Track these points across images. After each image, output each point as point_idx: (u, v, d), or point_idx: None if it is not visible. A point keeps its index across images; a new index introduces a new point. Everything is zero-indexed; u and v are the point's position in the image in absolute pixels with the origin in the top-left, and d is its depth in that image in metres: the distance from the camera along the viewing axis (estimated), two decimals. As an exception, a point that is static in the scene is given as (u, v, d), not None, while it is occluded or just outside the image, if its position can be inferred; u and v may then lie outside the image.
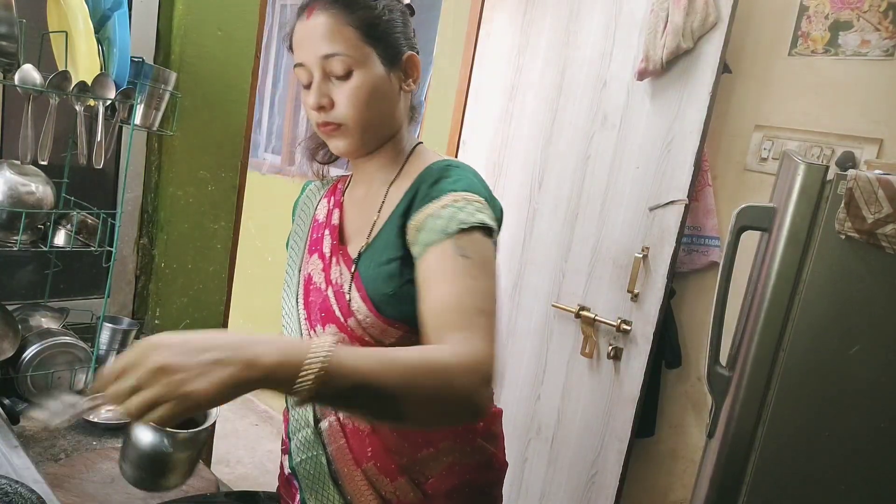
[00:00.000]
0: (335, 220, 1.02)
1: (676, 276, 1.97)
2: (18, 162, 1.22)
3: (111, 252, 1.32)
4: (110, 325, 1.41)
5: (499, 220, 0.92)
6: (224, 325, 1.78)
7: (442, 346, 0.75)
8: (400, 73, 0.95)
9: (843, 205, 1.25)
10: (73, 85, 1.18)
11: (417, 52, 0.97)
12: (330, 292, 0.95)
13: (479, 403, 0.73)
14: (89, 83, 1.20)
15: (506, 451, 1.08)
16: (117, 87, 1.24)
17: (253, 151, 2.19)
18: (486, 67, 2.28)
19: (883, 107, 1.72)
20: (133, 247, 1.62)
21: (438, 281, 0.81)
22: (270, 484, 1.16)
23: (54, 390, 0.78)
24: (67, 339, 1.32)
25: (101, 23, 1.28)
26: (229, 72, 1.63)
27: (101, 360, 1.40)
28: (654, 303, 1.87)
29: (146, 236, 1.62)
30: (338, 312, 0.93)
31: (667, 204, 1.84)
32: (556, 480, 2.10)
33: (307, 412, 0.98)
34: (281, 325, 1.18)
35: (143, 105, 1.36)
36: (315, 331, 0.97)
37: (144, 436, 0.79)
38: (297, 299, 1.02)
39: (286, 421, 1.04)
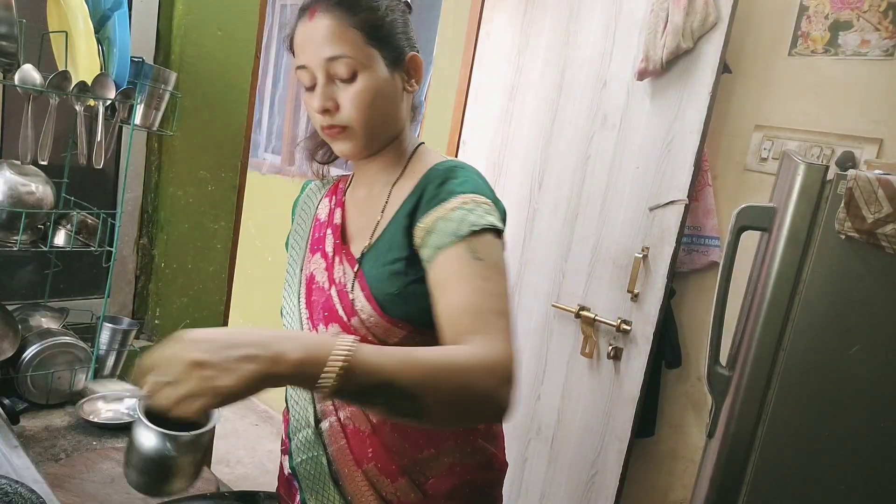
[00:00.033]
0: (337, 219, 1.02)
1: (676, 276, 1.97)
2: (18, 162, 1.22)
3: (111, 252, 1.32)
4: (110, 325, 1.41)
5: (503, 220, 0.92)
6: (224, 325, 1.78)
7: (463, 347, 0.75)
8: (403, 74, 0.95)
9: (843, 205, 1.25)
10: (73, 85, 1.18)
11: (418, 52, 0.97)
12: (333, 291, 0.95)
13: (502, 403, 0.74)
14: (89, 83, 1.20)
15: (506, 451, 1.08)
16: (117, 87, 1.24)
17: (253, 151, 2.19)
18: (486, 67, 2.28)
19: (883, 107, 1.72)
20: (133, 247, 1.62)
21: (453, 284, 0.82)
22: (270, 484, 1.16)
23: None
24: (67, 339, 1.32)
25: (101, 23, 1.28)
26: (229, 72, 1.63)
27: (101, 360, 1.40)
28: (654, 303, 1.87)
29: (146, 236, 1.62)
30: (341, 312, 0.93)
31: (667, 204, 1.84)
32: (556, 480, 2.10)
33: (308, 412, 0.98)
34: (281, 325, 1.17)
35: (143, 105, 1.36)
36: (317, 330, 0.96)
37: (147, 440, 0.78)
38: (298, 298, 1.02)
39: (286, 421, 1.04)
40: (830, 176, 1.30)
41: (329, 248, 1.00)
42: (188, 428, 0.79)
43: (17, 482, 0.84)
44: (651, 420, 2.07)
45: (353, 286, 0.93)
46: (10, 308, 1.33)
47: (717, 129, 1.94)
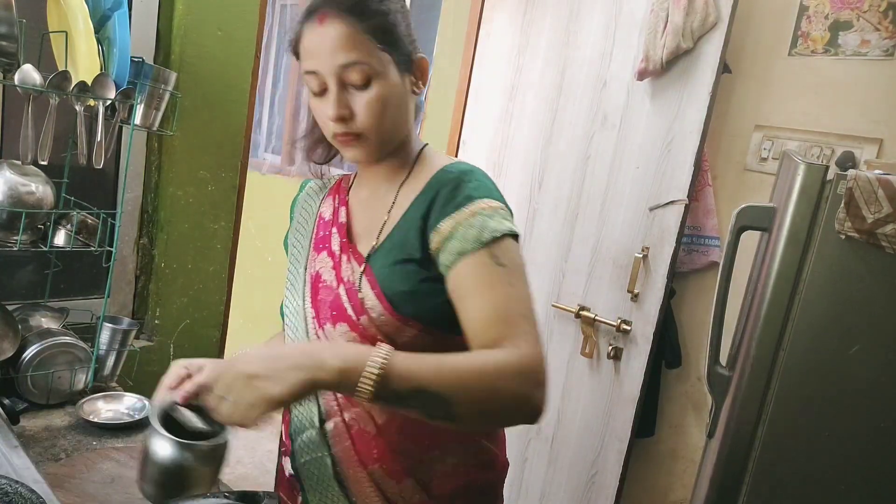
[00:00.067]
0: (342, 217, 1.02)
1: (676, 276, 1.97)
2: (18, 162, 1.22)
3: (111, 252, 1.32)
4: (110, 325, 1.41)
5: None
6: (224, 325, 1.78)
7: (493, 352, 0.79)
8: (411, 77, 0.95)
9: (843, 205, 1.25)
10: (73, 85, 1.18)
11: (423, 54, 0.97)
12: (342, 290, 0.94)
13: (536, 406, 0.78)
14: (89, 83, 1.20)
15: (506, 451, 1.08)
16: (117, 87, 1.24)
17: (253, 151, 2.19)
18: (486, 67, 2.28)
19: (883, 107, 1.72)
20: (133, 247, 1.62)
21: (479, 292, 0.84)
22: (270, 484, 1.16)
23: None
24: (67, 339, 1.32)
25: (101, 23, 1.28)
26: (229, 72, 1.63)
27: (101, 360, 1.40)
28: (654, 303, 1.87)
29: (146, 236, 1.62)
30: (350, 311, 0.92)
31: (667, 204, 1.84)
32: (556, 480, 2.10)
33: (311, 413, 0.98)
34: (281, 325, 1.17)
35: (143, 105, 1.36)
36: (324, 329, 0.96)
37: (163, 450, 0.77)
38: (303, 298, 1.01)
39: (286, 423, 1.04)
40: (830, 176, 1.30)
41: (336, 247, 0.99)
42: (200, 439, 0.79)
43: (17, 482, 0.84)
44: (651, 420, 2.07)
45: (361, 284, 0.92)
46: (10, 308, 1.33)
47: (717, 129, 1.94)
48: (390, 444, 0.94)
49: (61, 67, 1.27)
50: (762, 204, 1.47)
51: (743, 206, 1.48)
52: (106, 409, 1.33)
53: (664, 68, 1.81)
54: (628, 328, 1.91)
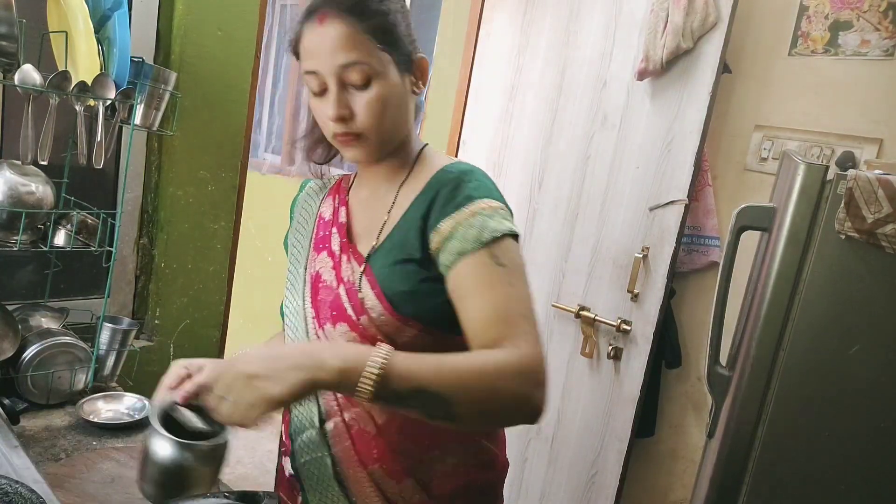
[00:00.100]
0: (342, 217, 1.02)
1: (676, 276, 1.97)
2: (18, 162, 1.22)
3: (111, 252, 1.32)
4: (110, 325, 1.41)
5: None
6: (224, 325, 1.78)
7: (493, 352, 0.79)
8: (411, 77, 0.95)
9: (843, 205, 1.25)
10: (73, 85, 1.18)
11: (422, 54, 0.97)
12: (342, 290, 0.94)
13: (536, 406, 0.79)
14: (89, 83, 1.20)
15: (506, 451, 1.08)
16: (117, 87, 1.24)
17: (253, 151, 2.19)
18: (486, 67, 2.28)
19: (883, 107, 1.72)
20: (133, 247, 1.62)
21: (479, 292, 0.84)
22: (270, 484, 1.16)
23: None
24: (67, 339, 1.32)
25: (101, 23, 1.28)
26: (229, 72, 1.63)
27: (101, 360, 1.40)
28: (654, 303, 1.87)
29: (146, 236, 1.62)
30: (350, 310, 0.92)
31: (667, 204, 1.84)
32: (556, 480, 2.10)
33: (311, 413, 0.98)
34: (281, 325, 1.17)
35: (143, 105, 1.36)
36: (324, 330, 0.96)
37: (163, 450, 0.77)
38: (303, 298, 1.01)
39: (286, 423, 1.04)
40: (830, 176, 1.30)
41: (336, 247, 0.99)
42: (200, 439, 0.78)
43: (17, 482, 0.84)
44: (651, 420, 2.07)
45: (361, 284, 0.92)
46: (10, 308, 1.33)
47: (717, 129, 1.94)
48: (390, 444, 0.94)
49: (61, 67, 1.27)
50: (762, 204, 1.47)
51: (743, 206, 1.48)
52: (106, 409, 1.33)
53: (664, 68, 1.81)
54: (628, 328, 1.91)
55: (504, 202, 0.92)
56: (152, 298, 1.64)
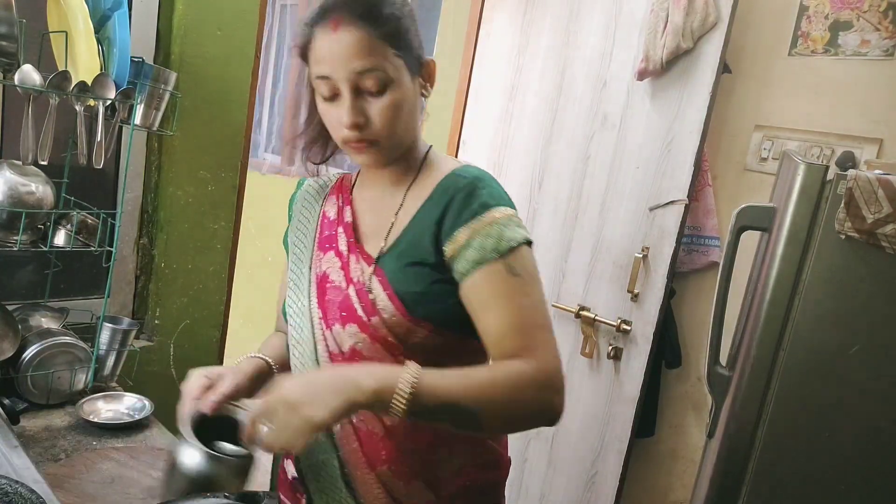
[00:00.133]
0: (348, 217, 1.01)
1: (676, 276, 1.97)
2: (19, 162, 1.22)
3: (111, 252, 1.32)
4: (110, 325, 1.41)
5: None
6: (224, 325, 1.78)
7: (514, 364, 0.83)
8: (420, 80, 0.94)
9: (843, 205, 1.25)
10: (73, 85, 1.18)
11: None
12: (351, 291, 0.94)
13: (555, 411, 0.84)
14: (89, 83, 1.20)
15: (508, 449, 1.09)
16: (117, 87, 1.24)
17: (253, 151, 2.19)
18: (486, 67, 2.28)
19: (883, 107, 1.72)
20: (133, 247, 1.62)
21: (496, 303, 0.87)
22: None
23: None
24: (67, 339, 1.32)
25: (101, 23, 1.28)
26: (229, 72, 1.63)
27: (101, 360, 1.40)
28: (654, 303, 1.87)
29: (146, 236, 1.62)
30: (360, 311, 0.92)
31: (667, 204, 1.84)
32: (555, 480, 2.10)
33: None
34: (274, 326, 1.16)
35: (143, 105, 1.36)
36: (331, 330, 0.95)
37: (194, 461, 0.78)
38: (309, 298, 1.00)
39: None
40: (830, 176, 1.30)
41: (343, 247, 0.98)
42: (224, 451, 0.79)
43: (17, 482, 0.84)
44: (651, 420, 2.07)
45: (373, 285, 0.92)
46: (10, 308, 1.33)
47: (717, 129, 1.94)
48: (399, 445, 0.93)
49: (61, 67, 1.27)
50: (762, 204, 1.47)
51: (743, 206, 1.48)
52: (106, 409, 1.33)
53: (664, 68, 1.81)
54: (628, 328, 1.91)
55: (514, 207, 0.93)
56: (152, 298, 1.64)
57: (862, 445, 1.29)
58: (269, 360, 1.02)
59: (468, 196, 0.90)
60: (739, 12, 1.78)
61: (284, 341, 1.08)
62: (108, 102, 1.25)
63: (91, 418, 1.27)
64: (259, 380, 0.99)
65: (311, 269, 1.02)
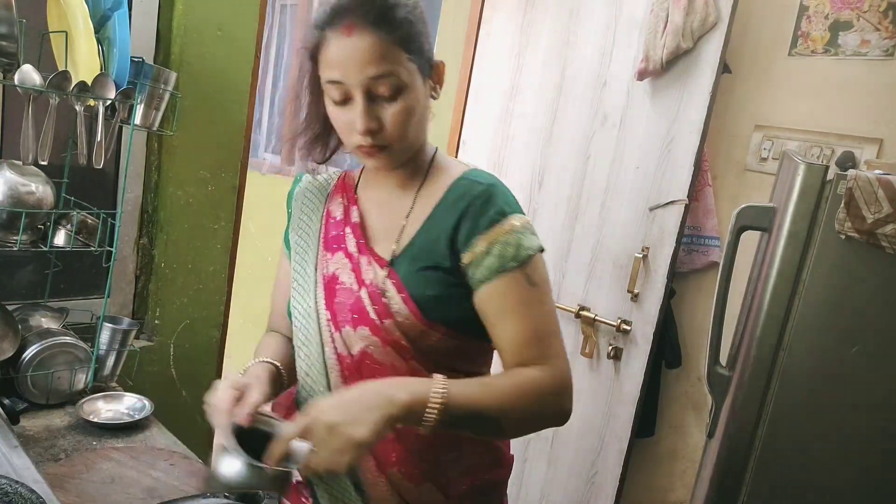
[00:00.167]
0: (355, 217, 1.00)
1: (676, 276, 1.97)
2: (19, 162, 1.22)
3: (111, 252, 1.32)
4: (110, 325, 1.41)
5: None
6: (224, 325, 1.78)
7: (531, 372, 0.88)
8: (430, 81, 0.94)
9: (843, 205, 1.25)
10: (73, 85, 1.18)
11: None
12: (363, 293, 0.93)
13: (566, 412, 0.91)
14: (89, 83, 1.20)
15: (510, 446, 1.10)
16: (117, 87, 1.24)
17: (253, 151, 2.19)
18: (486, 67, 2.28)
19: (883, 107, 1.72)
20: (133, 247, 1.62)
21: (515, 312, 0.89)
22: (270, 484, 1.16)
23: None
24: (67, 339, 1.32)
25: (101, 23, 1.28)
26: (229, 72, 1.63)
27: (101, 360, 1.40)
28: (654, 303, 1.87)
29: (146, 236, 1.62)
30: (372, 314, 0.91)
31: (667, 204, 1.84)
32: (556, 480, 2.10)
33: None
34: (266, 327, 1.15)
35: (143, 105, 1.36)
36: (341, 333, 0.94)
37: (231, 471, 0.78)
38: (315, 300, 0.98)
39: None
40: (830, 176, 1.30)
41: (353, 248, 0.97)
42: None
43: (17, 482, 0.84)
44: (651, 420, 2.07)
45: (387, 288, 0.91)
46: (10, 308, 1.33)
47: (717, 129, 1.94)
48: (409, 447, 0.93)
49: (61, 67, 1.26)
50: (762, 204, 1.47)
51: (743, 206, 1.48)
52: (106, 409, 1.33)
53: (664, 68, 1.81)
54: (628, 328, 1.91)
55: (523, 212, 0.94)
56: (152, 298, 1.64)
57: (862, 445, 1.29)
58: (279, 365, 1.00)
59: (486, 203, 0.91)
60: (739, 12, 1.78)
61: (282, 342, 1.07)
62: (108, 102, 1.25)
63: (91, 418, 1.27)
64: (274, 386, 0.98)
65: (316, 269, 1.00)
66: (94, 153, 1.25)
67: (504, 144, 2.23)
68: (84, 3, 1.20)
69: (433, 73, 0.94)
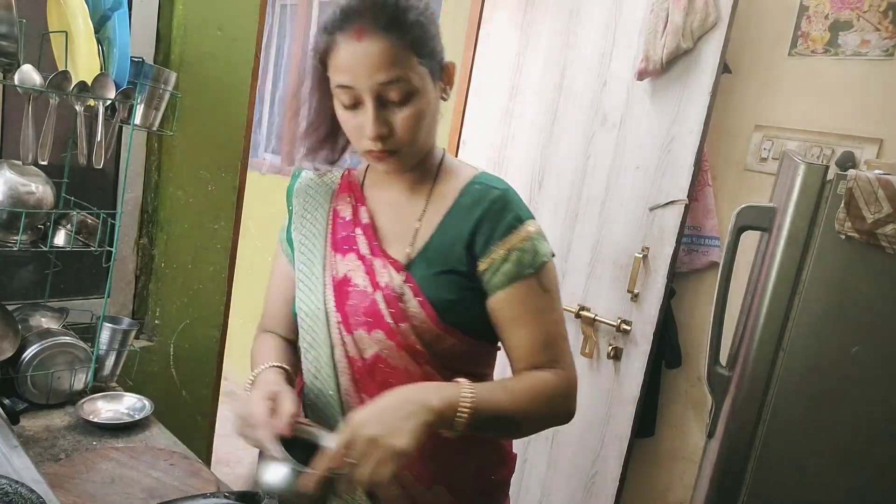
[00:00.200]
0: (365, 218, 0.99)
1: (676, 276, 1.97)
2: (18, 162, 1.22)
3: (111, 252, 1.32)
4: (110, 325, 1.41)
5: None
6: (224, 325, 1.78)
7: (545, 376, 0.91)
8: (441, 83, 0.93)
9: (843, 205, 1.25)
10: (73, 85, 1.18)
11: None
12: (378, 296, 0.92)
13: (573, 412, 0.94)
14: (89, 83, 1.20)
15: (513, 444, 1.12)
16: (117, 87, 1.24)
17: (253, 151, 2.19)
18: (485, 67, 2.28)
19: (883, 107, 1.72)
20: (133, 247, 1.62)
21: (529, 318, 0.92)
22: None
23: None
24: (67, 339, 1.32)
25: (101, 23, 1.28)
26: (229, 72, 1.63)
27: (100, 360, 1.39)
28: (654, 303, 1.87)
29: (146, 236, 1.62)
30: (388, 318, 0.91)
31: (667, 204, 1.84)
32: (556, 480, 2.10)
33: (336, 421, 0.96)
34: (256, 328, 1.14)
35: (143, 105, 1.36)
36: (353, 335, 0.93)
37: (275, 478, 0.78)
38: (324, 301, 0.97)
39: None
40: (830, 176, 1.30)
41: (365, 250, 0.96)
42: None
43: (17, 482, 0.84)
44: (651, 420, 2.07)
45: (404, 292, 0.91)
46: (10, 308, 1.33)
47: (717, 129, 1.94)
48: (421, 450, 0.93)
49: (61, 67, 1.26)
50: (762, 204, 1.47)
51: (743, 206, 1.48)
52: (106, 409, 1.33)
53: (664, 68, 1.81)
54: (628, 328, 1.91)
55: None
56: (152, 298, 1.64)
57: (862, 446, 1.29)
58: (288, 368, 0.98)
59: (503, 209, 0.92)
60: (739, 12, 1.78)
61: (282, 343, 1.05)
62: (108, 102, 1.25)
63: (91, 418, 1.27)
64: None
65: (324, 270, 0.98)
66: (94, 153, 1.25)
67: (504, 144, 2.23)
68: (84, 3, 1.20)
69: (444, 74, 0.93)
